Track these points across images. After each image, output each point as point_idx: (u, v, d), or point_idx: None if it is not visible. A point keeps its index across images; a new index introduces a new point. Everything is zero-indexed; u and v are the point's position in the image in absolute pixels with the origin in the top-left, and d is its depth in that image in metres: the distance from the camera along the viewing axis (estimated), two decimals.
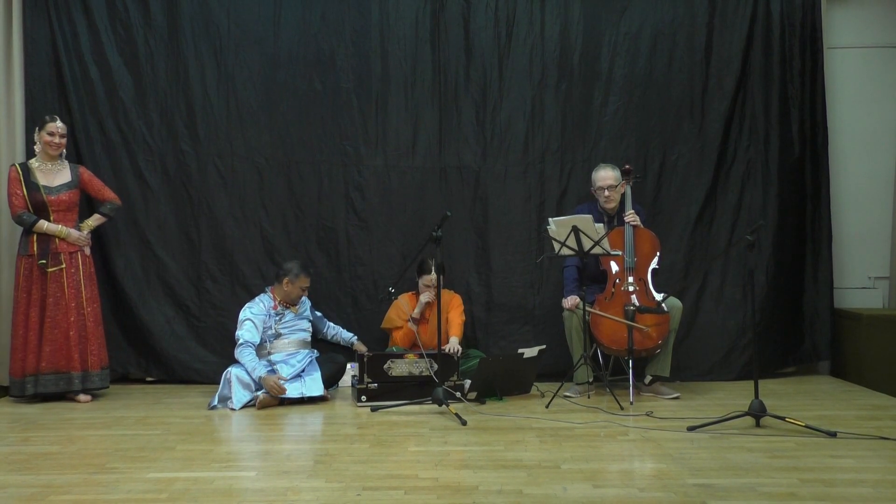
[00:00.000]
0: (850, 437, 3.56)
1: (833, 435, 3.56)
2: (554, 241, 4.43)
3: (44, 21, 5.08)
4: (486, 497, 2.80)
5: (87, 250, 4.68)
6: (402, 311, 4.95)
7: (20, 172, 4.55)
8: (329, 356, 4.82)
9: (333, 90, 5.22)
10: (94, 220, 4.74)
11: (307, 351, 4.72)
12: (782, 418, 3.71)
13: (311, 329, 4.89)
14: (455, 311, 4.92)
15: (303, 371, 4.55)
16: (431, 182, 5.26)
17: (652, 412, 4.08)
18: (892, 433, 3.61)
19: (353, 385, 4.55)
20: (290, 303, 4.76)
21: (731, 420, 3.79)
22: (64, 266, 4.54)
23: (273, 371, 4.50)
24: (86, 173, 4.74)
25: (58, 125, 4.61)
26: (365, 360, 4.43)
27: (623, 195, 4.72)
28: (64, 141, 4.65)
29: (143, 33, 5.13)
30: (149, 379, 5.14)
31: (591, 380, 4.47)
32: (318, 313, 5.04)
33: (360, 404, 4.39)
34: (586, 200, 4.97)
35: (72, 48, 5.09)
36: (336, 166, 5.24)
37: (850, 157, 5.44)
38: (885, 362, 4.74)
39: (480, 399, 4.46)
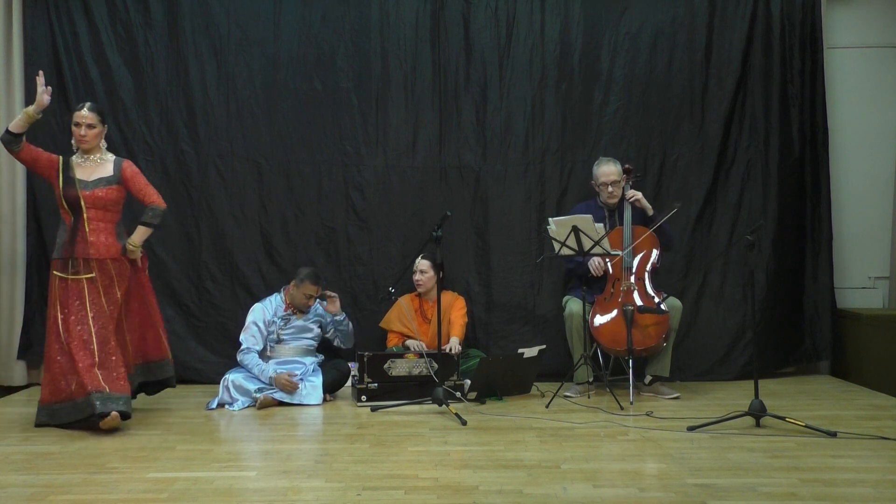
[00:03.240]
0: (850, 437, 3.56)
1: (833, 435, 3.56)
2: (554, 241, 4.43)
3: (44, 21, 5.09)
4: (486, 497, 2.80)
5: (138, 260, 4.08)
6: (402, 313, 4.95)
7: (60, 165, 3.97)
8: (334, 363, 4.75)
9: (333, 90, 5.22)
10: (139, 236, 4.00)
11: (310, 359, 4.68)
12: (782, 418, 3.71)
13: (319, 337, 4.79)
14: (458, 313, 4.92)
15: (304, 377, 4.53)
16: (431, 182, 5.26)
17: (652, 412, 4.07)
18: (892, 433, 3.61)
19: (353, 385, 4.54)
20: (297, 307, 4.72)
21: (731, 420, 3.79)
22: (93, 275, 3.89)
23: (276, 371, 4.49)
24: (129, 169, 4.06)
25: (83, 113, 3.96)
26: (365, 359, 4.43)
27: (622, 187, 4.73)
28: (95, 132, 3.99)
29: (143, 33, 5.13)
30: None
31: (591, 380, 4.47)
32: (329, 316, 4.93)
33: (360, 404, 4.39)
34: (586, 200, 4.96)
35: (72, 48, 5.09)
36: (336, 166, 5.24)
37: (850, 157, 5.44)
38: (885, 362, 4.74)
39: (480, 399, 4.46)
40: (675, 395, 4.53)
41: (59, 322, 3.84)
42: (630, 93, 5.23)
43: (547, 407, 4.26)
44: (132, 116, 5.12)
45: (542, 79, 5.26)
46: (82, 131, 3.97)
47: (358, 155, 5.24)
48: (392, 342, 4.96)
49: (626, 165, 4.74)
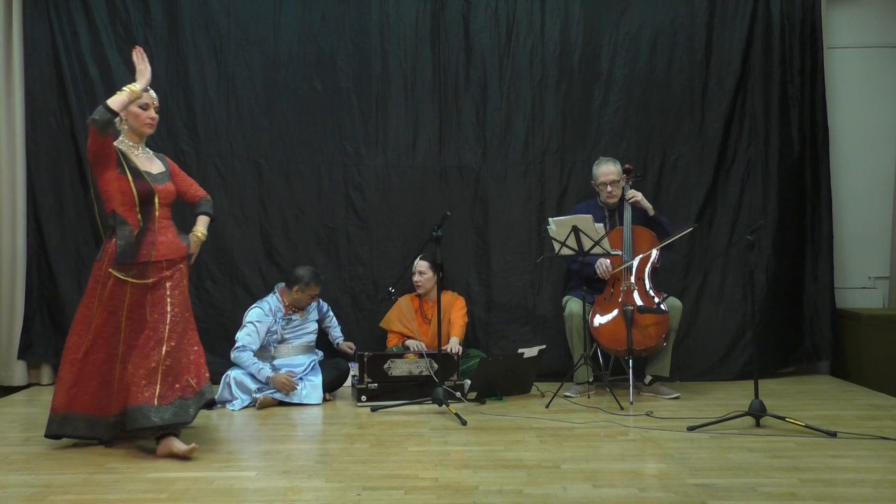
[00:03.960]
0: (850, 437, 3.56)
1: (833, 435, 3.56)
2: (554, 241, 4.43)
3: (44, 21, 5.08)
4: (486, 497, 2.80)
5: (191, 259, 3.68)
6: (402, 313, 4.96)
7: (118, 153, 3.40)
8: (333, 361, 4.79)
9: (333, 90, 5.22)
10: (204, 225, 3.70)
11: (311, 356, 4.70)
12: (782, 418, 3.71)
13: (317, 331, 4.85)
14: (458, 313, 4.92)
15: (304, 376, 4.54)
16: (431, 182, 5.26)
17: (652, 412, 4.07)
18: (892, 433, 3.61)
19: (353, 385, 4.54)
20: (299, 308, 4.72)
21: (731, 420, 3.79)
22: (161, 277, 3.46)
23: (277, 370, 4.49)
24: (175, 165, 3.74)
25: (152, 94, 3.51)
26: (365, 359, 4.43)
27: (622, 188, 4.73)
28: (158, 116, 3.57)
29: (143, 33, 5.13)
30: None
31: (591, 380, 4.47)
32: (325, 304, 5.00)
33: (360, 404, 4.39)
34: (586, 200, 4.96)
35: (72, 48, 5.09)
36: (336, 166, 5.24)
37: (850, 157, 5.44)
38: (885, 362, 4.74)
39: (480, 399, 4.46)
40: (675, 395, 4.53)
41: (107, 328, 3.40)
42: (630, 93, 5.23)
43: (547, 407, 4.26)
44: None
45: (542, 79, 5.26)
46: (152, 113, 3.51)
47: (358, 155, 5.24)
48: (392, 342, 4.96)
49: (626, 165, 4.74)
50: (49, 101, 5.09)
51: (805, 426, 3.62)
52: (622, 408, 4.17)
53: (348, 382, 4.71)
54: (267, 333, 4.58)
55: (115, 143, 3.38)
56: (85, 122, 5.04)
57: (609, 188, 4.70)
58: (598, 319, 4.53)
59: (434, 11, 5.25)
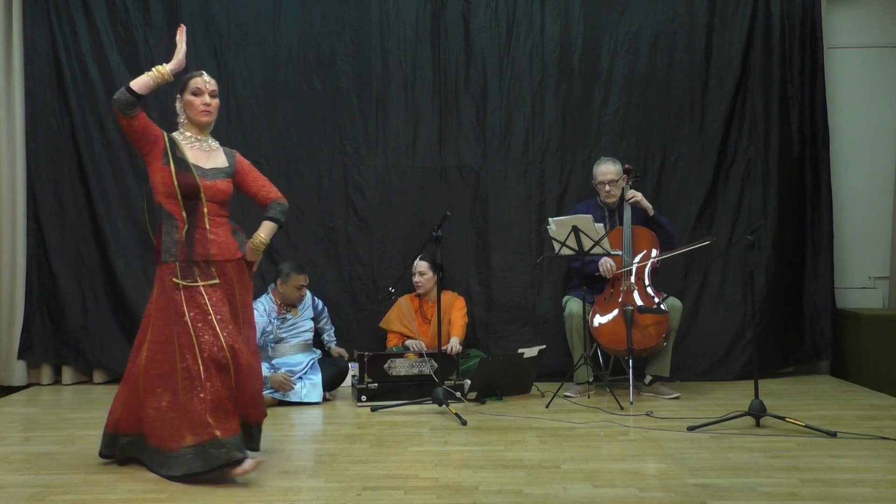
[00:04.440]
0: (850, 437, 3.56)
1: (833, 435, 3.56)
2: (554, 241, 4.43)
3: (44, 21, 5.08)
4: (486, 497, 2.80)
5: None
6: (402, 313, 4.96)
7: (167, 143, 3.13)
8: (333, 360, 4.80)
9: (333, 90, 5.22)
10: (267, 232, 3.32)
11: (310, 354, 4.71)
12: (782, 418, 3.71)
13: (313, 329, 4.85)
14: (458, 313, 4.92)
15: (303, 375, 4.54)
16: (431, 182, 5.26)
17: (652, 412, 4.08)
18: (892, 433, 3.61)
19: (353, 385, 4.54)
20: (290, 304, 4.73)
21: (731, 420, 3.79)
22: (217, 281, 3.15)
23: (275, 369, 4.49)
24: (245, 161, 3.35)
25: (207, 79, 3.18)
26: (365, 359, 4.43)
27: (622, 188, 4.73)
28: (217, 103, 3.21)
29: (143, 33, 5.13)
30: None
31: (591, 380, 4.47)
32: (320, 303, 4.99)
33: (360, 404, 4.39)
34: (586, 200, 4.96)
35: (72, 48, 5.09)
36: (336, 166, 5.23)
37: (850, 157, 5.44)
38: (885, 362, 4.74)
39: (480, 399, 4.47)
40: (675, 395, 4.53)
41: (178, 334, 3.04)
42: (630, 93, 5.23)
43: (547, 407, 4.26)
44: None
45: (542, 79, 5.26)
46: (206, 99, 3.15)
47: (358, 155, 5.24)
48: (392, 342, 4.96)
49: (626, 165, 4.74)
50: (49, 101, 5.09)
51: (805, 426, 3.62)
52: (622, 408, 4.17)
53: (347, 381, 4.71)
54: (263, 334, 4.57)
55: (171, 134, 3.15)
56: (85, 123, 5.10)
57: (608, 188, 4.70)
58: (598, 319, 4.53)
59: (434, 11, 5.25)
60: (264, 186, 3.36)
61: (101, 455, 3.24)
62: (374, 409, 4.26)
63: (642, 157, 5.20)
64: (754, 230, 3.86)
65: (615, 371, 4.89)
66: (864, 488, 2.86)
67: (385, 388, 4.43)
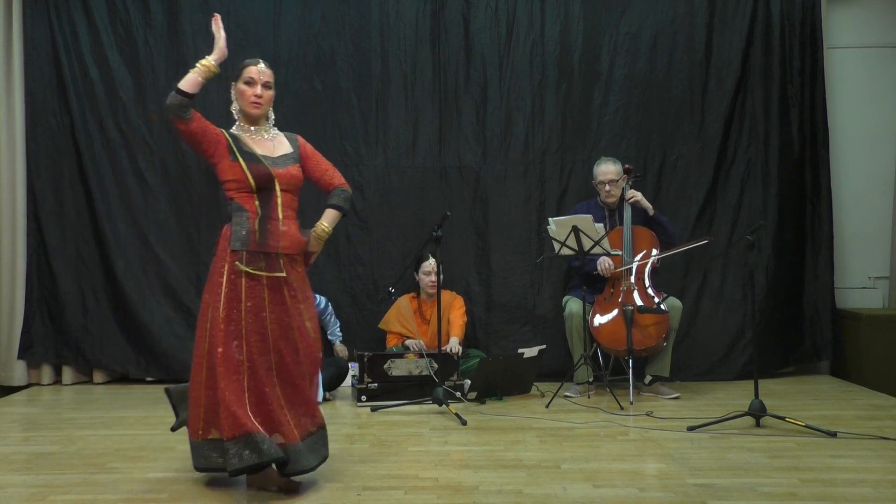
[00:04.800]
0: (850, 437, 3.56)
1: (833, 435, 3.56)
2: (554, 241, 4.43)
3: (44, 21, 5.09)
4: (486, 497, 2.80)
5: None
6: (401, 314, 4.95)
7: (229, 141, 3.00)
8: (332, 360, 4.80)
9: (333, 90, 5.22)
10: (330, 220, 3.22)
11: None
12: (782, 418, 3.71)
13: None
14: (457, 312, 4.91)
15: None
16: (431, 182, 5.26)
17: (652, 412, 4.08)
18: (892, 433, 3.61)
19: (353, 385, 4.54)
20: None
21: (731, 420, 3.79)
22: (285, 274, 3.01)
23: None
24: (307, 145, 3.20)
25: (261, 68, 3.01)
26: (365, 359, 4.43)
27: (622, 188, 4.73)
28: (271, 94, 3.05)
29: (143, 33, 5.13)
30: (149, 379, 5.13)
31: (591, 380, 4.47)
32: (323, 300, 4.99)
33: (360, 404, 4.39)
34: (586, 200, 4.97)
35: (72, 48, 5.09)
36: (336, 166, 5.20)
37: (850, 157, 5.44)
38: (885, 362, 4.74)
39: (480, 399, 4.47)
40: (675, 395, 4.53)
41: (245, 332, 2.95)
42: (630, 93, 5.23)
43: (547, 407, 4.26)
44: (132, 116, 5.12)
45: (542, 79, 5.26)
46: (258, 90, 3.01)
47: (358, 155, 5.24)
48: (391, 343, 4.95)
49: (626, 165, 4.74)
50: (49, 101, 5.10)
51: (805, 426, 3.62)
52: (622, 408, 4.17)
53: (347, 382, 4.71)
54: None
55: (228, 131, 3.03)
56: (85, 123, 5.09)
57: (608, 187, 4.71)
58: (598, 319, 4.53)
59: (434, 11, 5.25)
60: (327, 171, 3.23)
61: (201, 469, 2.96)
62: (374, 409, 4.26)
63: (642, 157, 5.20)
64: (754, 230, 3.86)
65: (615, 371, 4.89)
66: (864, 488, 2.86)
67: (385, 388, 4.43)
